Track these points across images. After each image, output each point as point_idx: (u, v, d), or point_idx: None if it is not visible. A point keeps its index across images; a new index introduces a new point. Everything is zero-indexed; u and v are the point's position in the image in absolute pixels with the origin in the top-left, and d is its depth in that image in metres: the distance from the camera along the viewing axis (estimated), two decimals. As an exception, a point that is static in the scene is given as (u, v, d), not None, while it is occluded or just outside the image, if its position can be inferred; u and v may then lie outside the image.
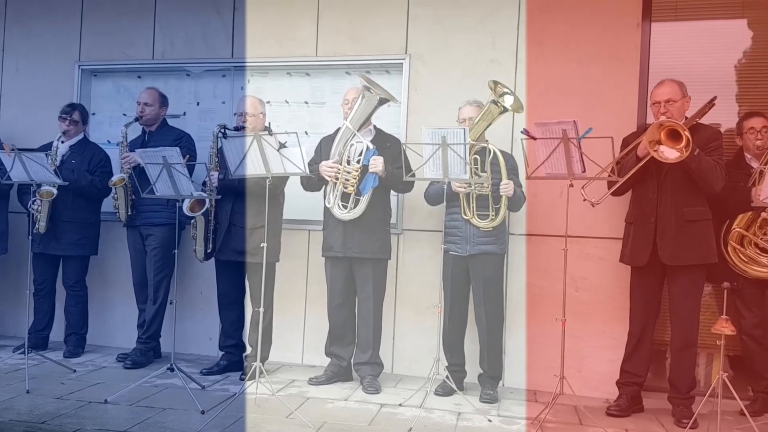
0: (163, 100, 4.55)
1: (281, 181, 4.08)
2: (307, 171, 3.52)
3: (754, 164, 3.66)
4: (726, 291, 3.13)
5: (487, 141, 3.87)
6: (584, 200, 3.45)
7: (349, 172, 3.86)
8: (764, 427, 3.34)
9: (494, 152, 3.77)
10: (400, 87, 4.44)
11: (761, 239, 3.60)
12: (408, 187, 4.05)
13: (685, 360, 3.56)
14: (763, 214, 3.57)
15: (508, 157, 3.90)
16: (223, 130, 4.02)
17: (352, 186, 3.85)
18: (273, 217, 4.03)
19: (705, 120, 3.66)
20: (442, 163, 3.54)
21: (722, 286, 3.12)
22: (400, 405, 3.70)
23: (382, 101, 3.86)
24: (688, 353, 3.55)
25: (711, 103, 3.48)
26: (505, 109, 3.79)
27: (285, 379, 4.17)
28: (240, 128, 4.11)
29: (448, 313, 3.95)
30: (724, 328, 3.08)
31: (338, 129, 3.98)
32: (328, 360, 4.15)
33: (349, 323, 4.10)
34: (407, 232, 4.45)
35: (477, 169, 3.78)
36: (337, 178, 3.86)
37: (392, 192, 4.16)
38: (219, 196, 3.97)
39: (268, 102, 4.58)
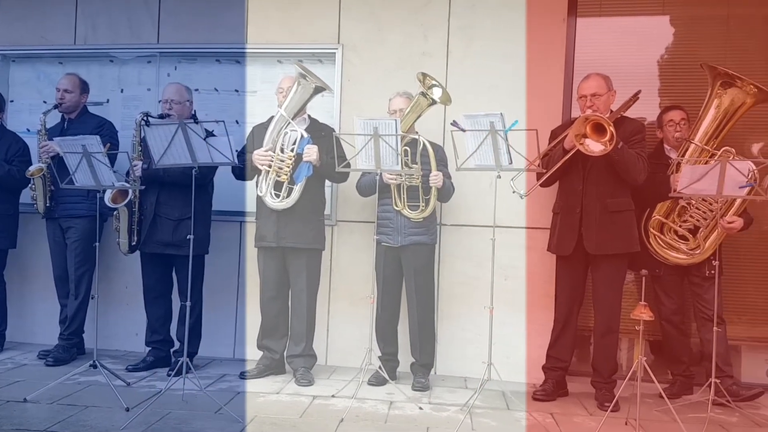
0: (84, 87, 4.37)
1: (209, 170, 3.98)
2: (236, 161, 3.44)
3: (673, 155, 3.82)
4: (645, 278, 3.25)
5: (417, 132, 3.89)
6: (513, 192, 3.52)
7: (282, 161, 3.80)
8: (682, 408, 3.49)
9: (424, 144, 3.80)
10: (333, 77, 4.40)
11: (680, 226, 3.76)
12: (343, 177, 4.03)
13: (607, 345, 3.69)
14: (681, 203, 3.73)
15: (438, 149, 3.94)
16: (146, 118, 3.89)
17: (286, 174, 3.80)
18: (201, 208, 3.94)
19: (630, 113, 3.78)
20: (374, 153, 3.54)
21: (641, 273, 3.24)
22: (332, 396, 3.69)
23: (318, 90, 3.82)
24: (609, 338, 3.68)
25: (635, 97, 3.60)
26: (434, 102, 3.82)
27: (215, 374, 4.09)
28: (165, 116, 3.98)
29: (380, 304, 3.97)
30: (643, 313, 3.20)
31: (272, 117, 3.92)
32: (261, 353, 4.10)
33: (282, 315, 4.05)
34: (341, 223, 4.43)
35: (408, 160, 3.79)
36: (270, 167, 3.80)
37: (327, 182, 4.13)
38: (143, 187, 3.84)
39: (196, 90, 4.46)
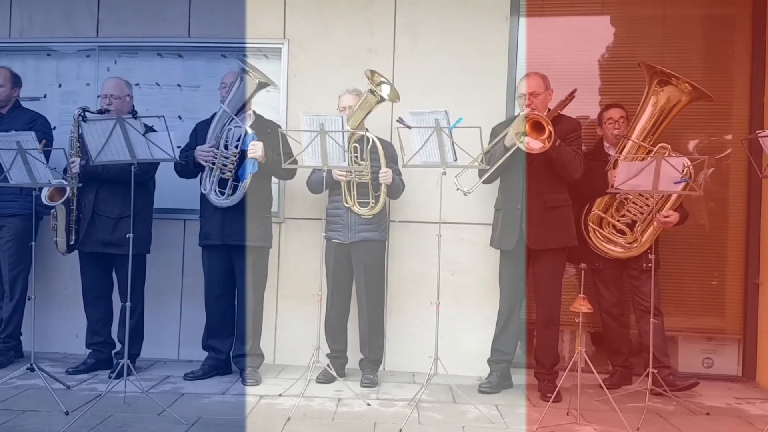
0: (16, 80, 4.20)
1: (150, 167, 3.88)
2: (177, 157, 3.37)
3: (612, 152, 3.92)
4: (584, 271, 3.33)
5: (366, 129, 3.89)
6: (457, 189, 3.56)
7: (226, 157, 3.75)
8: (621, 398, 3.59)
9: (373, 140, 3.80)
10: (279, 73, 4.35)
11: (618, 221, 3.87)
12: (290, 174, 3.99)
13: (549, 337, 3.77)
14: (619, 198, 3.84)
15: (387, 146, 3.95)
16: (83, 114, 3.77)
17: (230, 171, 3.75)
18: (142, 206, 3.85)
19: (571, 112, 3.86)
20: (321, 150, 3.52)
21: (579, 267, 3.31)
22: (280, 395, 3.66)
23: (262, 85, 3.78)
24: (551, 330, 3.77)
25: (571, 96, 3.69)
26: (382, 99, 3.82)
27: (158, 376, 4.00)
28: (104, 111, 3.86)
29: (330, 301, 3.97)
30: (582, 306, 3.28)
31: (215, 113, 3.85)
32: (206, 354, 4.03)
33: (228, 315, 3.99)
34: (289, 220, 4.40)
35: (357, 157, 3.79)
36: (213, 163, 3.74)
37: (273, 179, 4.09)
38: (80, 184, 3.72)
39: (137, 84, 4.36)
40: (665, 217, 3.74)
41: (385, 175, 3.78)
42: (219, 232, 3.82)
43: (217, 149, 3.74)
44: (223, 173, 3.76)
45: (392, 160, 3.92)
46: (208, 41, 4.43)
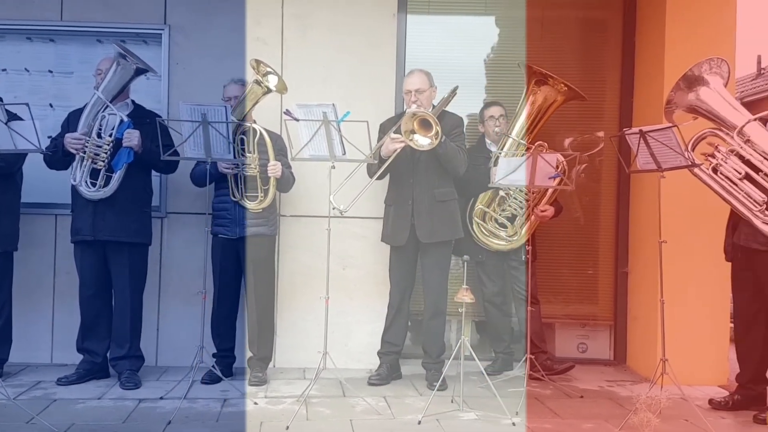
0: None
1: (17, 158, 3.60)
2: (43, 147, 3.14)
3: (494, 149, 4.07)
4: (467, 263, 3.44)
5: (254, 121, 3.81)
6: (333, 208, 3.52)
7: (99, 146, 3.55)
8: (503, 384, 3.72)
9: (260, 132, 3.74)
10: (160, 60, 4.16)
11: (500, 215, 4.02)
12: (171, 167, 3.84)
13: (436, 327, 3.87)
14: (501, 193, 4.00)
15: (276, 138, 3.89)
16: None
17: (103, 161, 3.56)
18: (7, 200, 3.60)
19: (455, 109, 3.96)
20: (204, 141, 3.42)
21: (462, 259, 3.43)
22: (161, 398, 3.52)
23: (139, 71, 3.62)
24: (437, 321, 3.87)
25: (453, 93, 3.79)
26: (269, 90, 3.76)
27: (28, 382, 3.74)
28: (-38, 98, 3.54)
29: (217, 299, 3.87)
30: (465, 296, 3.39)
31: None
32: (81, 357, 3.81)
33: (103, 315, 3.79)
34: (172, 215, 4.23)
35: (244, 149, 3.70)
36: (84, 152, 3.53)
37: (154, 172, 3.91)
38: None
39: (3, 70, 4.09)
40: (542, 211, 3.93)
41: (274, 168, 3.72)
42: (90, 226, 3.61)
43: (89, 137, 3.52)
44: (96, 163, 3.55)
45: (281, 152, 3.87)
46: (83, 25, 4.18)
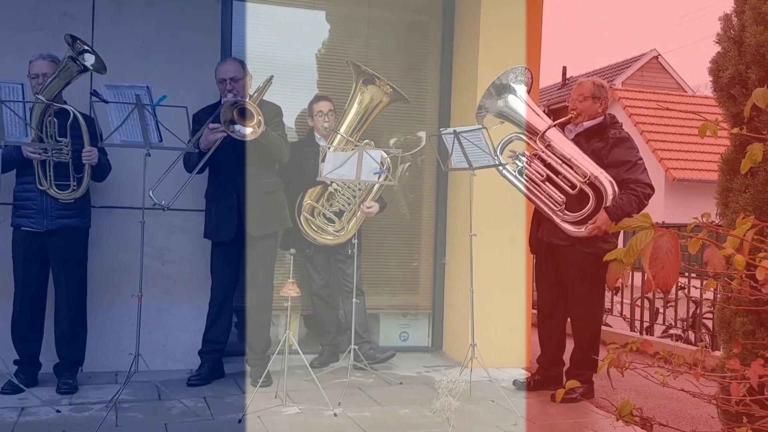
0: None
1: None
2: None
3: (323, 143, 4.08)
4: (293, 257, 3.42)
5: (65, 102, 3.48)
6: (154, 204, 3.35)
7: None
8: (327, 375, 3.80)
9: (74, 115, 3.43)
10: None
11: (328, 210, 4.05)
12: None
13: (261, 322, 3.82)
14: (330, 189, 4.03)
15: (92, 122, 3.57)
16: None
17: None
18: None
19: (285, 102, 3.90)
20: (-3, 123, 3.04)
21: (289, 252, 3.41)
22: (-60, 412, 3.09)
23: None
24: (263, 315, 3.82)
25: (269, 81, 3.72)
26: (86, 69, 3.45)
27: None
28: None
29: (20, 299, 3.50)
30: (291, 290, 3.38)
31: None
32: None
33: None
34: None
35: (55, 132, 3.36)
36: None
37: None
38: None
39: None
40: (368, 207, 4.03)
41: (90, 154, 3.43)
42: None
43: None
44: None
45: (96, 138, 3.56)
46: None
